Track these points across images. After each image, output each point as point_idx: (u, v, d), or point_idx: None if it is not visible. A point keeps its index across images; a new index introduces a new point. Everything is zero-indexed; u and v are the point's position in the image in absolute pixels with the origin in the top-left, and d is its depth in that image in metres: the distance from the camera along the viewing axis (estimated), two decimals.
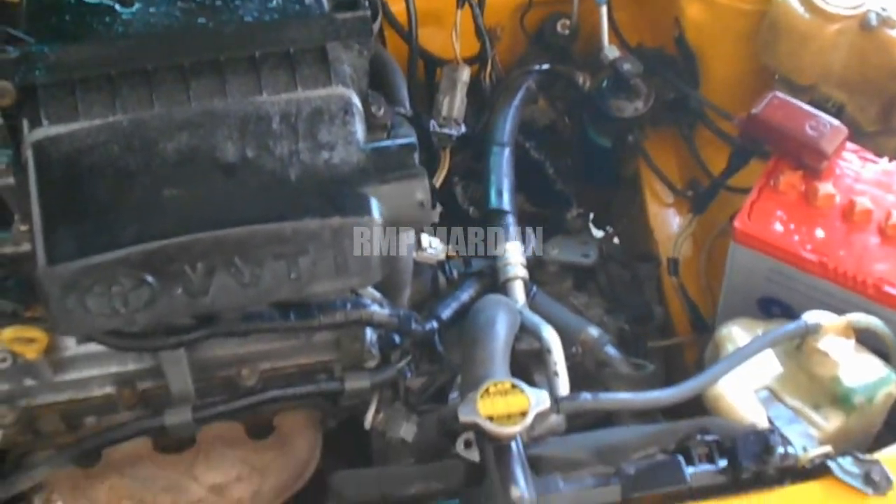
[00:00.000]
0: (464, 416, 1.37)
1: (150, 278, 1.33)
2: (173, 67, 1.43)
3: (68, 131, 1.39)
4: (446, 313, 1.70)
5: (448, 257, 1.81)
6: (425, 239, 1.75)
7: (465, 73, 2.01)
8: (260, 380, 1.61)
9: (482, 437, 1.43)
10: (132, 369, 1.59)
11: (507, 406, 1.37)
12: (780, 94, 1.71)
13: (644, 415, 1.73)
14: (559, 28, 2.21)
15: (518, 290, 1.75)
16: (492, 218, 1.83)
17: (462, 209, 2.00)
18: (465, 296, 1.74)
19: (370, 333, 1.63)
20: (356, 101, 1.46)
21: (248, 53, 1.44)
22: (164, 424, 1.55)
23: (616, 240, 2.31)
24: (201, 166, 1.38)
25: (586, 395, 1.45)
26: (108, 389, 1.60)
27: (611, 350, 1.80)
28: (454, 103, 2.00)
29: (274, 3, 1.50)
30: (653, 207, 2.20)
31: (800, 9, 1.80)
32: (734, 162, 1.89)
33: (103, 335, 1.47)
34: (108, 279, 1.32)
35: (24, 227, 1.56)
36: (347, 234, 1.36)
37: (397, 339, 1.65)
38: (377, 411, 1.65)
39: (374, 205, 1.38)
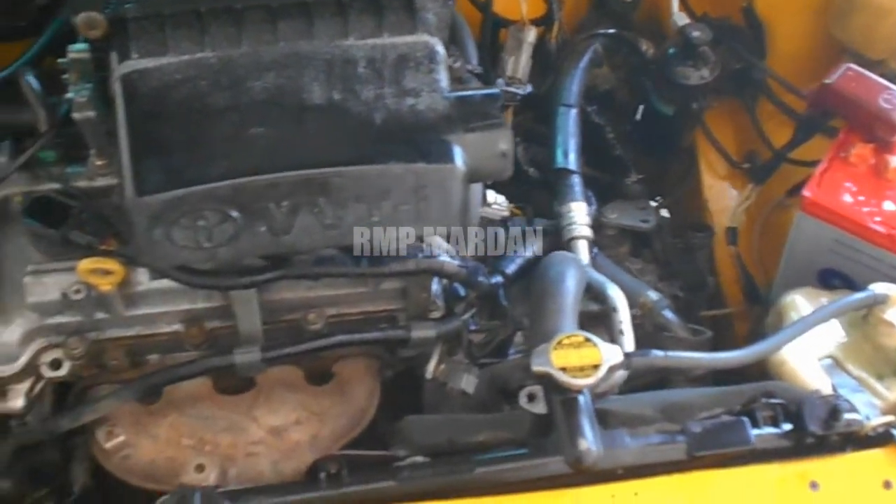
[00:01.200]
0: (537, 366, 1.38)
1: (235, 214, 1.34)
2: (261, 7, 1.43)
3: (157, 65, 1.40)
4: (511, 268, 1.71)
5: (512, 214, 1.82)
6: (491, 195, 1.77)
7: (531, 34, 2.01)
8: (325, 325, 1.62)
9: (550, 389, 1.44)
10: (201, 308, 1.60)
11: (580, 358, 1.38)
12: (854, 66, 1.71)
13: (699, 380, 1.75)
14: None
15: (582, 249, 1.76)
16: (558, 177, 1.83)
17: (522, 169, 2.01)
18: (529, 252, 1.75)
19: (436, 284, 1.64)
20: (440, 49, 1.46)
21: None
22: (233, 363, 1.56)
23: (665, 210, 2.31)
24: (288, 106, 1.39)
25: (657, 353, 1.46)
26: (176, 327, 1.62)
27: (669, 314, 1.81)
28: (519, 63, 2.01)
29: None
30: (707, 178, 2.20)
31: None
32: (799, 135, 1.90)
33: (178, 272, 1.48)
34: (195, 213, 1.33)
35: (99, 162, 1.57)
36: (430, 180, 1.37)
37: (461, 291, 1.66)
38: (439, 362, 1.67)
39: (458, 152, 1.39)
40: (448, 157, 1.38)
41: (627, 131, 2.17)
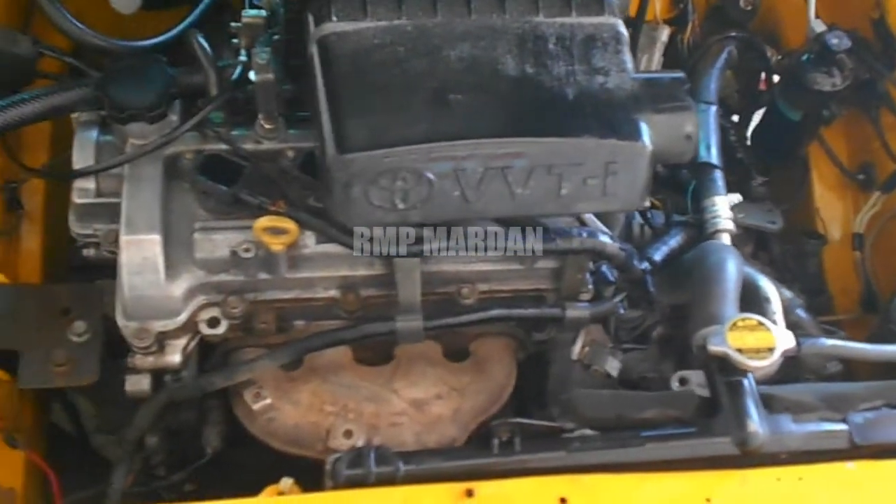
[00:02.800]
0: (713, 347, 1.41)
1: (431, 176, 1.36)
2: None
3: (355, 28, 1.43)
4: (658, 256, 1.73)
5: (652, 206, 1.84)
6: None
7: (664, 33, 2.05)
8: (476, 301, 1.64)
9: (714, 372, 1.46)
10: (361, 275, 1.62)
11: (756, 341, 1.41)
12: None
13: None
14: (742, 3, 2.25)
15: (726, 241, 1.78)
16: (701, 171, 1.86)
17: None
18: (674, 242, 1.77)
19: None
20: (624, 31, 1.49)
21: None
22: (394, 329, 1.58)
23: None
24: (484, 75, 1.41)
25: (825, 340, 1.49)
26: (333, 292, 1.63)
27: (801, 313, 1.83)
28: (652, 61, 2.04)
29: None
30: (819, 187, 2.23)
31: None
32: None
33: (346, 236, 1.51)
34: (395, 173, 1.35)
35: (268, 126, 1.60)
36: (621, 156, 1.40)
37: (609, 276, 1.68)
38: (584, 344, 1.69)
39: (646, 132, 1.41)
40: (638, 135, 1.41)
41: (745, 136, 2.20)
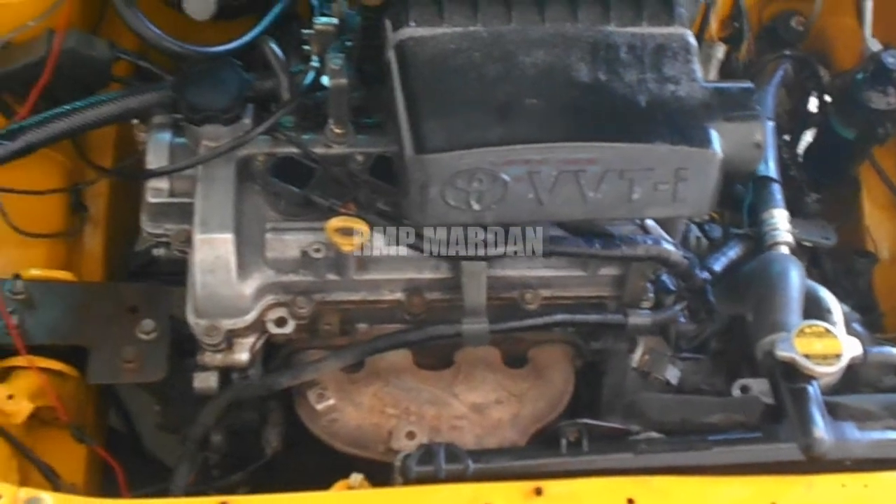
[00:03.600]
0: (781, 352, 1.42)
1: (507, 178, 1.39)
2: None
3: (432, 34, 1.47)
4: (717, 266, 1.75)
5: (711, 218, 1.86)
6: None
7: (720, 51, 2.08)
8: (539, 306, 1.66)
9: (779, 379, 1.48)
10: (427, 278, 1.64)
11: (823, 347, 1.43)
12: None
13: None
14: (793, 24, 2.28)
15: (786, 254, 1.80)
16: (760, 185, 1.88)
17: None
18: (733, 253, 1.79)
19: None
20: (693, 41, 1.52)
21: None
22: (460, 332, 1.60)
23: None
24: (559, 81, 1.45)
25: (891, 350, 1.50)
26: (399, 295, 1.66)
27: (858, 327, 1.84)
28: (709, 78, 2.06)
29: None
30: (869, 206, 2.25)
31: None
32: None
33: (416, 238, 1.54)
34: (472, 174, 1.38)
35: (338, 130, 1.63)
36: (692, 162, 1.42)
37: (669, 284, 1.70)
38: (644, 352, 1.70)
39: (716, 139, 1.44)
40: (709, 143, 1.44)
41: (797, 154, 2.22)
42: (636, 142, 1.41)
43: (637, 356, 1.69)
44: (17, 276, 1.70)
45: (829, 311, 1.63)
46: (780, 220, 1.82)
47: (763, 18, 2.30)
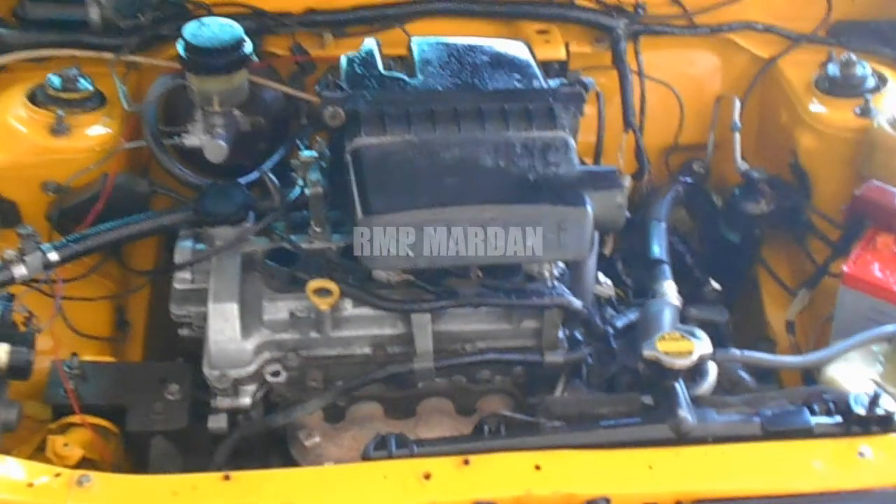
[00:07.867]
0: (647, 352, 1.88)
1: (432, 231, 1.91)
2: (448, 111, 2.07)
3: (378, 142, 2.03)
4: (619, 323, 2.22)
5: (617, 294, 2.36)
6: (601, 277, 2.32)
7: (626, 180, 2.63)
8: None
9: (653, 380, 1.92)
10: (387, 333, 2.13)
11: (678, 347, 1.88)
12: (876, 181, 2.29)
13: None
14: (695, 167, 2.86)
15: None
16: (654, 265, 2.38)
17: (622, 280, 2.56)
18: (632, 315, 2.26)
19: (561, 333, 2.16)
20: (572, 142, 2.07)
21: (500, 106, 2.08)
22: (412, 369, 2.07)
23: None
24: (470, 167, 1.99)
25: (735, 351, 1.96)
26: (367, 350, 2.14)
27: (745, 376, 2.28)
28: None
29: (515, 79, 2.15)
30: (769, 303, 2.72)
31: (891, 131, 2.40)
32: (836, 251, 2.45)
33: (373, 297, 2.04)
34: (405, 230, 1.90)
35: (318, 229, 2.17)
36: (569, 218, 1.94)
37: (580, 337, 2.17)
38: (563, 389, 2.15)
39: (588, 202, 1.96)
40: (582, 203, 1.96)
41: (702, 262, 2.74)
42: (526, 203, 1.94)
43: (558, 391, 2.14)
44: (74, 355, 2.20)
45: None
46: (668, 289, 2.31)
47: (670, 165, 2.88)
